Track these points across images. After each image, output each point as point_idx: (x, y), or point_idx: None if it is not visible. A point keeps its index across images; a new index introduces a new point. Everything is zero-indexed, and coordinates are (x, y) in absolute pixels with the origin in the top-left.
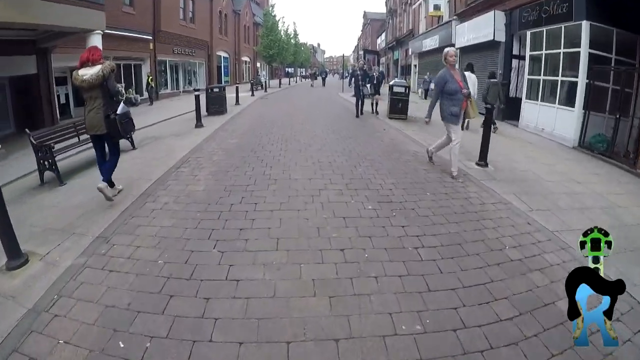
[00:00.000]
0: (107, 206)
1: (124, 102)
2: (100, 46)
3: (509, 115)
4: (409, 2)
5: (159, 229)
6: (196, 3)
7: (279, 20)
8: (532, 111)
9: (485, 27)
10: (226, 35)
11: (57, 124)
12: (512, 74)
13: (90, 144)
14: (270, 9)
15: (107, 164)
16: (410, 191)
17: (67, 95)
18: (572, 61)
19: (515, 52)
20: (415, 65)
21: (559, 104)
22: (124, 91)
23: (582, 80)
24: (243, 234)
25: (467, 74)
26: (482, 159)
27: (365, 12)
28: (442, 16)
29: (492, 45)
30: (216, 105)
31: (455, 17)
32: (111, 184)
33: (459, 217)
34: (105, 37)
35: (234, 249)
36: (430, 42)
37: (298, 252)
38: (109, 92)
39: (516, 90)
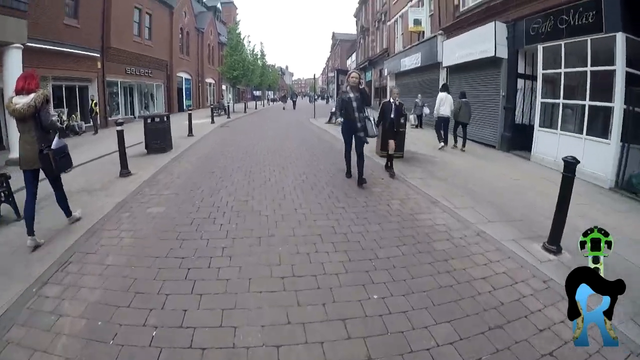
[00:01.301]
0: None
1: (66, 130)
2: (20, 64)
3: (516, 145)
4: (383, 19)
5: None
6: (154, 18)
7: (244, 38)
8: (549, 142)
9: (483, 42)
10: (188, 55)
11: None
12: (517, 96)
13: None
14: (236, 26)
15: (57, 201)
16: None
17: None
18: (602, 82)
19: (520, 70)
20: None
21: (587, 134)
22: (65, 117)
23: (619, 105)
24: None
25: (443, 94)
26: (554, 242)
27: (334, 33)
28: (424, 32)
29: (490, 63)
30: (157, 140)
31: (440, 32)
32: (68, 214)
33: None
34: (41, 53)
35: None
36: (411, 61)
37: None
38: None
39: (522, 115)
